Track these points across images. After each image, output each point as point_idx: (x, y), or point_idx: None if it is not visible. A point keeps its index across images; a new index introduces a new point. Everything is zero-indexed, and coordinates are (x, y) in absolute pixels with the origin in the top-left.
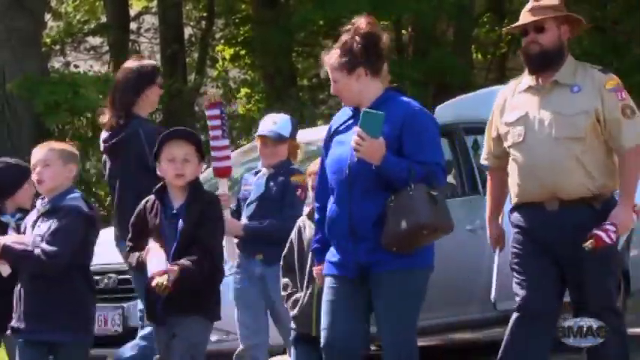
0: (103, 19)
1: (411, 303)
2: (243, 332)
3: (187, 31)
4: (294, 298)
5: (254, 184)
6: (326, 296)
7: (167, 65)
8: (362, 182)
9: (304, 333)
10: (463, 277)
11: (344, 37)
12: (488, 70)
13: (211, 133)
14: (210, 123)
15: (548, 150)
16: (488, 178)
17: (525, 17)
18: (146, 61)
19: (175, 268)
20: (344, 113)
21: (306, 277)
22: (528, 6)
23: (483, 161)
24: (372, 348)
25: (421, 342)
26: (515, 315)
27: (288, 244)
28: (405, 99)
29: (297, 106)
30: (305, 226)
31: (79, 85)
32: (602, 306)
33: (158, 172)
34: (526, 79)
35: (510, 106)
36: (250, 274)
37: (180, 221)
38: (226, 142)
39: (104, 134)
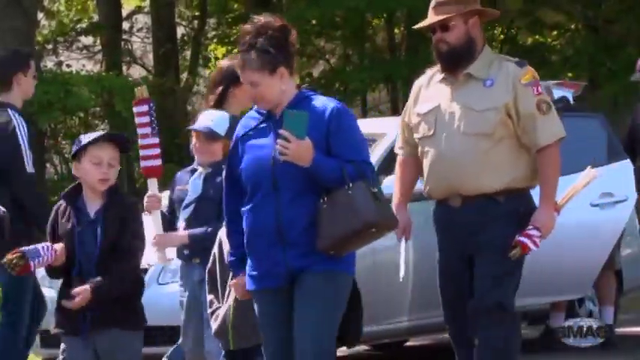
0: (96, 18)
1: (332, 307)
2: (188, 343)
3: (180, 31)
4: (215, 314)
5: (190, 184)
6: (257, 313)
7: (160, 64)
8: (290, 186)
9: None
10: None
11: (253, 37)
12: None
13: (139, 130)
14: (138, 120)
15: (455, 145)
16: (398, 164)
17: (430, 16)
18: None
19: (88, 287)
20: (250, 118)
21: (226, 290)
22: (432, 3)
23: (398, 150)
24: (366, 348)
25: (413, 341)
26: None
27: (211, 258)
28: (324, 97)
29: None
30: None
31: (71, 84)
32: (496, 302)
33: (74, 172)
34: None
35: (424, 97)
36: (191, 282)
37: (99, 228)
38: (156, 140)
39: None
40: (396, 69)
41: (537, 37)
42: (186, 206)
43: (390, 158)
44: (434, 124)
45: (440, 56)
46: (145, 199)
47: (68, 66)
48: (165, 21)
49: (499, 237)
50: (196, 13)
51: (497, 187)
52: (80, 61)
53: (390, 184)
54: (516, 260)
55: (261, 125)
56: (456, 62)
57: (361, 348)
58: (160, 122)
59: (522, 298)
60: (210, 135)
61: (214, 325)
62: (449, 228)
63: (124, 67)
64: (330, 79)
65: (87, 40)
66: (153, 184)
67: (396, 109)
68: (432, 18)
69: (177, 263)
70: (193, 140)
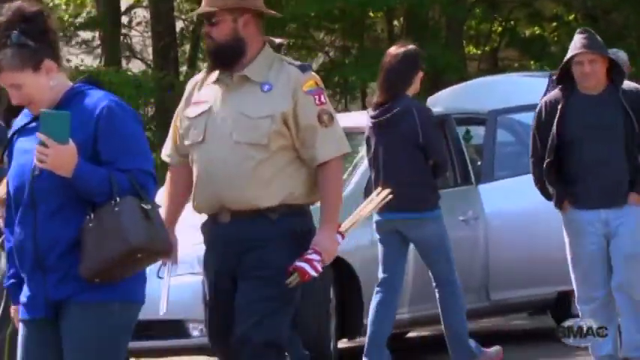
0: (94, 13)
1: (109, 347)
2: None
3: (179, 24)
4: None
5: None
6: (19, 346)
7: (159, 59)
8: (48, 200)
9: None
10: (456, 267)
11: (4, 31)
12: (480, 60)
13: None
14: None
15: (226, 155)
16: (169, 176)
17: (202, 4)
18: None
19: None
20: (24, 115)
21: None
22: None
23: (165, 158)
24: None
25: (413, 333)
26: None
27: None
28: (99, 92)
29: None
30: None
31: (70, 79)
32: (266, 340)
33: None
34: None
35: (196, 99)
36: None
37: None
38: None
39: None
40: None
41: (536, 28)
42: None
43: None
44: (204, 130)
45: (207, 52)
46: None
47: (67, 61)
48: (164, 15)
49: (271, 260)
50: (195, 7)
51: (271, 203)
52: (79, 56)
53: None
54: (291, 288)
55: (31, 125)
56: (222, 61)
57: (362, 340)
58: (159, 116)
59: (526, 289)
60: None
61: None
62: (216, 247)
63: (124, 62)
64: (330, 71)
65: (86, 34)
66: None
67: None
68: (202, 7)
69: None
70: None
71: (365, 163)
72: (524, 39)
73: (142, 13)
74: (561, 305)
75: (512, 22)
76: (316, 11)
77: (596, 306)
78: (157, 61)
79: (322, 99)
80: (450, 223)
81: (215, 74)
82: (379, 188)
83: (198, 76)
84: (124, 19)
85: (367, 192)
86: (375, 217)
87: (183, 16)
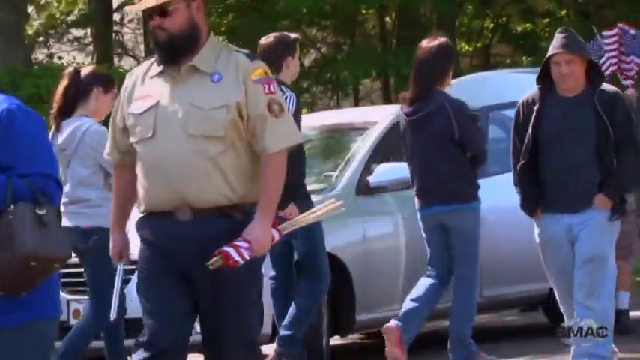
0: (86, 10)
1: None
2: None
3: None
4: None
5: None
6: None
7: (151, 55)
8: None
9: None
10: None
11: None
12: (472, 57)
13: None
14: None
15: (181, 149)
16: (114, 176)
17: None
18: None
19: None
20: None
21: None
22: None
23: (107, 156)
24: (359, 336)
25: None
26: (141, 354)
27: None
28: (1, 96)
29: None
30: None
31: (62, 76)
32: (236, 340)
33: None
34: None
35: (140, 93)
36: None
37: None
38: None
39: None
40: (387, 60)
41: (528, 25)
42: None
43: (381, 147)
44: (153, 125)
45: (158, 46)
46: None
47: (60, 58)
48: None
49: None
50: None
51: (233, 201)
52: (71, 53)
53: (382, 172)
54: (258, 290)
55: None
56: (177, 53)
57: (355, 336)
58: None
59: (518, 285)
60: None
61: None
62: (169, 245)
63: (116, 59)
64: (322, 68)
65: (78, 32)
66: None
67: (388, 98)
68: (147, 1)
69: None
70: None
71: (357, 159)
72: (517, 35)
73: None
74: (553, 301)
75: (504, 19)
76: (308, 8)
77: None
78: (148, 58)
79: (271, 88)
80: None
81: (158, 67)
82: (333, 199)
83: (138, 70)
84: (116, 17)
85: (359, 190)
86: (419, 214)
87: None
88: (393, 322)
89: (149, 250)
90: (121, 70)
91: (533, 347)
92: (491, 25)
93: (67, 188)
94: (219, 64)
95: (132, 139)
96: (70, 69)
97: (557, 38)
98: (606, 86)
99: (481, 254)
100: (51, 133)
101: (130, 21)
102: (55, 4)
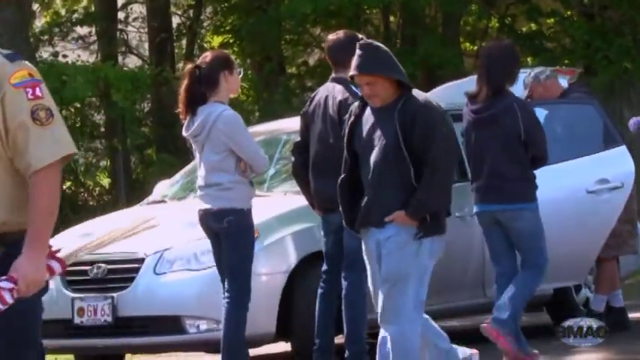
0: (91, 8)
1: None
2: None
3: (175, 20)
4: None
5: None
6: None
7: (155, 54)
8: None
9: None
10: (452, 264)
11: None
12: (476, 56)
13: None
14: None
15: None
16: None
17: None
18: None
19: None
20: None
21: None
22: None
23: None
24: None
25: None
26: None
27: None
28: None
29: (285, 94)
30: None
31: (67, 75)
32: None
33: None
34: None
35: None
36: None
37: None
38: None
39: None
40: None
41: (533, 24)
42: None
43: None
44: None
45: None
46: None
47: (64, 56)
48: (160, 10)
49: None
50: (192, 3)
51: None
52: (76, 52)
53: None
54: (27, 331)
55: None
56: None
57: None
58: (155, 112)
59: None
60: None
61: None
62: None
63: (120, 57)
64: (327, 67)
65: (82, 30)
66: None
67: None
68: None
69: (175, 253)
70: None
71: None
72: (521, 35)
73: (138, 9)
74: (557, 301)
75: (509, 19)
76: (310, 11)
77: None
78: (153, 57)
79: (37, 92)
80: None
81: None
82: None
83: None
84: (121, 15)
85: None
86: (475, 209)
87: (179, 12)
88: (485, 323)
89: None
90: (126, 68)
91: (538, 347)
92: (496, 25)
93: (202, 172)
94: None
95: None
96: (189, 66)
97: (355, 57)
98: (418, 94)
99: (484, 255)
100: (186, 122)
101: (135, 19)
102: (60, 2)
